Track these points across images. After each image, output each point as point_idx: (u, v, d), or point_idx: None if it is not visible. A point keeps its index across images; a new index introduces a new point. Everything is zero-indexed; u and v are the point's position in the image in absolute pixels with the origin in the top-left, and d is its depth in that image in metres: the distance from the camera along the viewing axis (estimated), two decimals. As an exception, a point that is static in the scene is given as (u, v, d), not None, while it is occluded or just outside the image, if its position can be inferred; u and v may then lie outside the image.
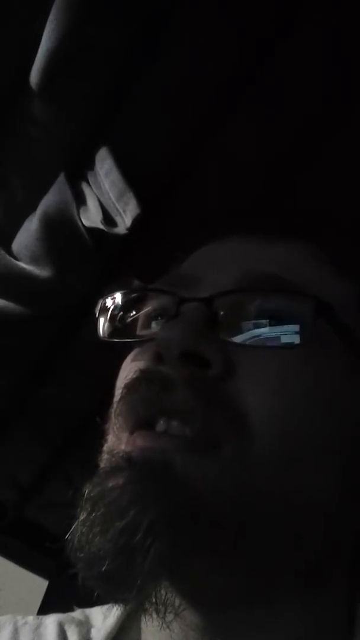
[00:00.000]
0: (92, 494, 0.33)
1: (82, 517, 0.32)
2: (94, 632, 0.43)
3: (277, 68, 0.42)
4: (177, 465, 0.32)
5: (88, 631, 0.43)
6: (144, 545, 0.30)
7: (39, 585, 1.09)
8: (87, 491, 0.33)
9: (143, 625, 0.39)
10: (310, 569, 0.36)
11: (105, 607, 0.44)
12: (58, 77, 0.43)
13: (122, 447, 0.35)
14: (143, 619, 0.39)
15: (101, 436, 0.38)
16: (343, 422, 0.37)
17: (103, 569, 0.31)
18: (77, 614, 0.46)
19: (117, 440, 0.36)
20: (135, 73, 0.43)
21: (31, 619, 0.46)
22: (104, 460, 0.36)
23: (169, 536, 0.30)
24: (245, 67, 0.43)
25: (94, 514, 0.32)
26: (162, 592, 0.32)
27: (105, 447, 0.37)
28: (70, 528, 0.33)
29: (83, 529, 0.32)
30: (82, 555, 0.32)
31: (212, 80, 0.43)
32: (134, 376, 0.36)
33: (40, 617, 0.46)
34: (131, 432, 0.35)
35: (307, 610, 0.36)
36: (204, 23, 0.41)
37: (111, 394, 0.39)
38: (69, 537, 0.33)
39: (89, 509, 0.32)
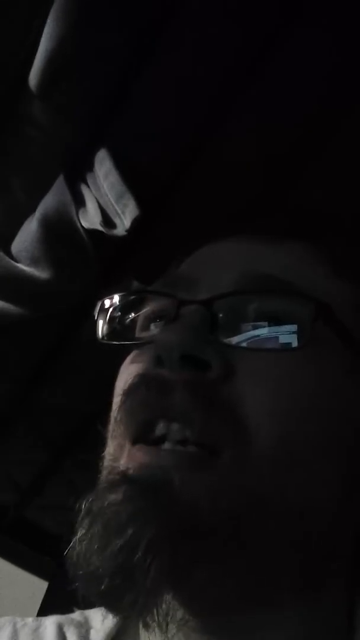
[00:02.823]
0: (90, 510, 0.33)
1: (80, 534, 0.32)
2: (93, 634, 0.43)
3: (278, 68, 0.42)
4: (175, 481, 0.32)
5: (87, 632, 0.43)
6: (144, 563, 0.30)
7: (38, 586, 1.09)
8: (85, 506, 0.33)
9: (142, 630, 0.39)
10: (310, 571, 0.36)
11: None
12: (57, 79, 0.42)
13: (122, 460, 0.35)
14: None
15: (102, 439, 0.38)
16: (343, 424, 0.37)
17: (102, 587, 0.30)
18: (77, 615, 0.45)
19: (118, 448, 0.36)
20: (135, 73, 0.43)
21: (30, 620, 0.45)
22: (104, 472, 0.36)
23: (169, 552, 0.30)
24: (246, 67, 0.43)
25: (92, 531, 0.32)
26: (164, 606, 0.32)
27: (106, 453, 0.37)
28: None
29: (82, 545, 0.32)
30: (81, 572, 0.32)
31: (212, 81, 0.43)
32: (134, 381, 0.36)
33: (40, 618, 0.46)
34: (132, 441, 0.35)
35: (308, 611, 0.36)
36: (204, 23, 0.41)
37: (111, 396, 0.39)
38: (68, 552, 0.32)
39: (88, 525, 0.32)
